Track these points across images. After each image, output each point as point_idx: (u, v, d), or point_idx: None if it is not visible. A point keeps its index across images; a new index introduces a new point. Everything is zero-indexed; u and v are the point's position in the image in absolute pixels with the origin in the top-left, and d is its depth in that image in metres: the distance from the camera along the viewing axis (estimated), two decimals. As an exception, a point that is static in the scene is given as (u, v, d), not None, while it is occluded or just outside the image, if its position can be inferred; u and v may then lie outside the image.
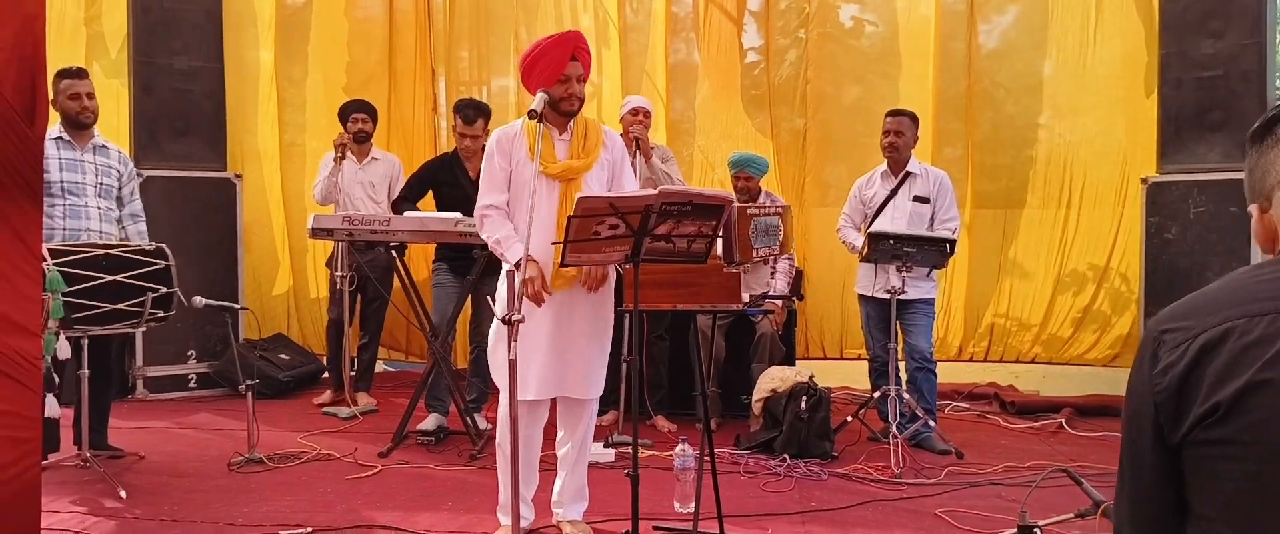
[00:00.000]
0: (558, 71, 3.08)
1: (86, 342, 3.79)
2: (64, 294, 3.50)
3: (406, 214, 4.42)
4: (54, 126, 4.15)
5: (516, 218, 3.15)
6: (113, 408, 4.36)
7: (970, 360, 6.12)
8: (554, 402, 3.28)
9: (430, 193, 4.88)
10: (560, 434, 3.34)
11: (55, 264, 3.51)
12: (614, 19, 6.26)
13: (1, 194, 2.35)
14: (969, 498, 3.79)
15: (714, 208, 2.86)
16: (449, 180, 4.75)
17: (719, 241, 3.14)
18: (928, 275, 4.69)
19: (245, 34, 6.20)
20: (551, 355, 3.11)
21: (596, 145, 3.21)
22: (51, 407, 3.64)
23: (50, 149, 4.06)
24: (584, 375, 3.18)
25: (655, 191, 2.73)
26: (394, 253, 4.53)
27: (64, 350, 3.58)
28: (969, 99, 5.99)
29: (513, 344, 2.61)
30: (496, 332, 3.20)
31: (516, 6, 6.41)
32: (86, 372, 3.82)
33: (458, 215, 4.22)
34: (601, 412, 4.99)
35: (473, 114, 4.70)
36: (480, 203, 3.16)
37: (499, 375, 3.16)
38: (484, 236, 3.17)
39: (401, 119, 6.39)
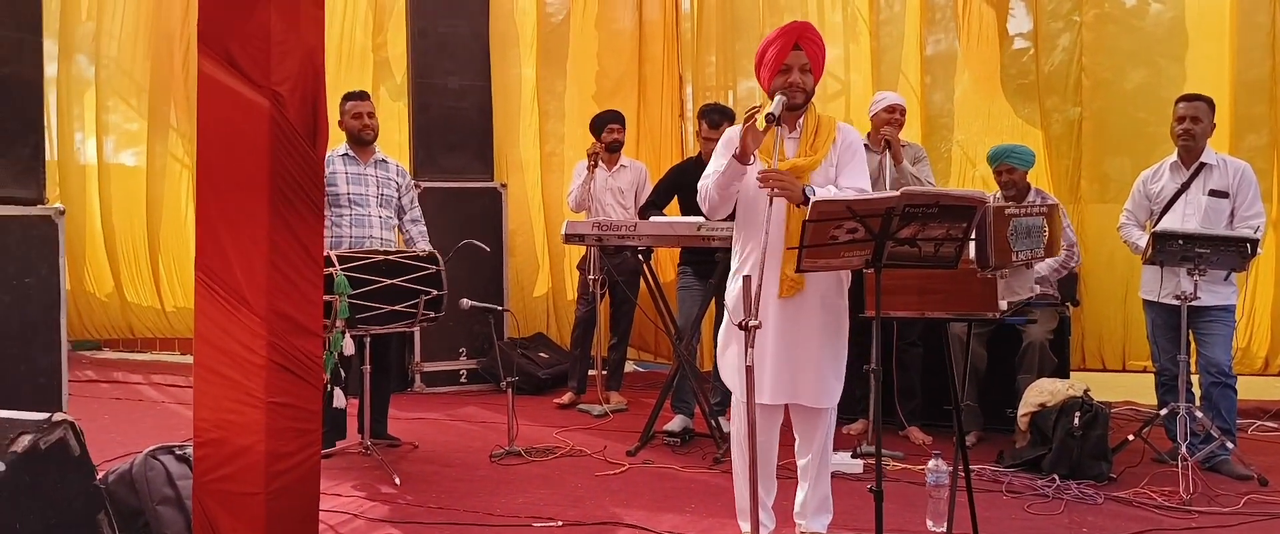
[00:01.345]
0: (780, 59, 3.00)
1: (369, 339, 4.16)
2: (349, 296, 3.86)
3: (652, 219, 4.50)
4: (341, 144, 4.58)
5: (746, 223, 3.11)
6: (393, 400, 4.76)
7: (1279, 375, 5.39)
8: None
9: (675, 198, 4.94)
10: (798, 444, 3.25)
11: (342, 269, 3.87)
12: (865, 15, 6.06)
13: (287, 207, 2.61)
14: (1273, 530, 3.32)
15: (964, 209, 2.68)
16: (693, 185, 4.77)
17: (972, 245, 2.94)
18: (1226, 279, 4.16)
19: (510, 53, 6.59)
20: (780, 361, 3.03)
21: (826, 142, 3.08)
22: (339, 398, 4.03)
23: (338, 164, 4.49)
24: (816, 382, 3.07)
25: (897, 193, 2.58)
26: (641, 257, 4.62)
27: (349, 347, 3.94)
28: (1274, 81, 5.26)
29: (749, 350, 2.58)
30: (725, 334, 3.17)
31: (764, 9, 6.36)
32: (368, 367, 4.19)
33: (701, 219, 4.24)
34: (850, 420, 4.85)
35: (717, 118, 4.71)
36: (699, 184, 3.14)
37: (727, 377, 3.14)
38: (707, 191, 3.09)
39: (649, 125, 6.53)
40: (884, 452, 3.36)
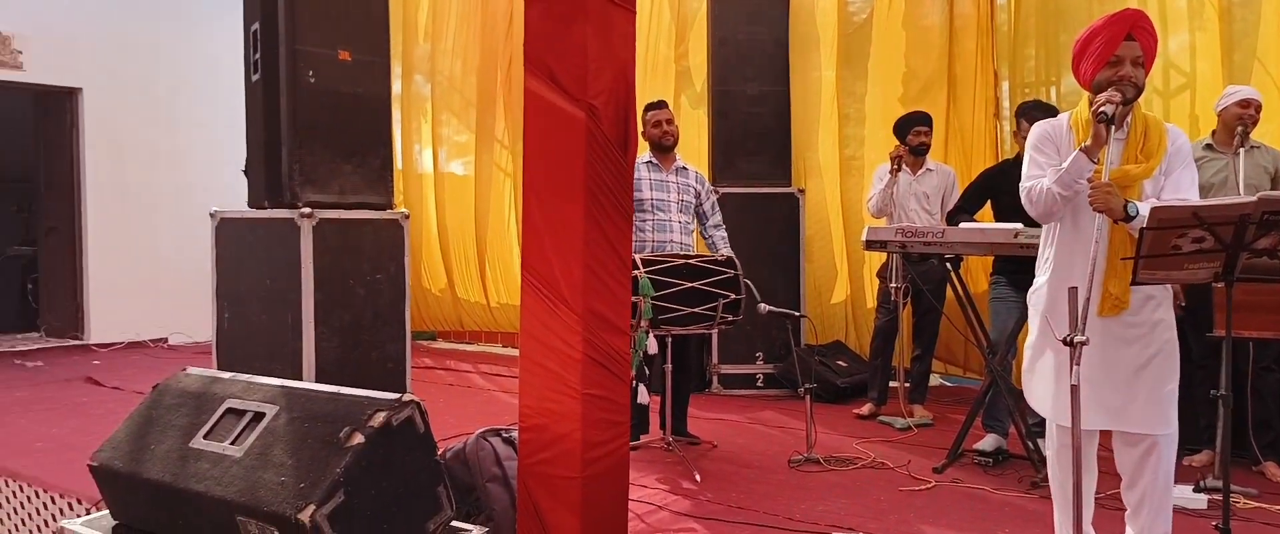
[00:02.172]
0: (1109, 50, 2.73)
1: (670, 339, 4.31)
2: (652, 298, 4.02)
3: (962, 225, 4.29)
4: (644, 153, 4.78)
5: (1063, 229, 2.87)
6: (692, 399, 4.90)
7: None
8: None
9: (988, 203, 4.68)
10: (1125, 477, 2.94)
11: (646, 272, 4.04)
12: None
13: (599, 212, 2.77)
14: None
15: (1341, 214, 2.32)
16: (1009, 189, 4.49)
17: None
18: None
19: (810, 56, 6.56)
20: (1099, 384, 2.76)
21: (1158, 147, 2.75)
22: (642, 394, 4.20)
23: (642, 171, 4.69)
24: (1143, 407, 2.77)
25: (1252, 199, 2.29)
26: (949, 265, 4.42)
27: (653, 346, 4.09)
28: None
29: (1075, 368, 2.39)
30: (1033, 350, 2.94)
31: (1091, -4, 5.87)
32: (670, 366, 4.34)
33: (1018, 226, 3.98)
34: (1193, 451, 4.35)
35: (1039, 116, 4.40)
36: (1022, 186, 2.92)
37: (1035, 398, 2.91)
38: (1044, 191, 2.83)
39: (959, 126, 6.23)
40: (1234, 488, 2.99)
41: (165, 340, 8.61)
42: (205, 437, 2.72)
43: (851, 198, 6.51)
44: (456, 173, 8.31)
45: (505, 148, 7.71)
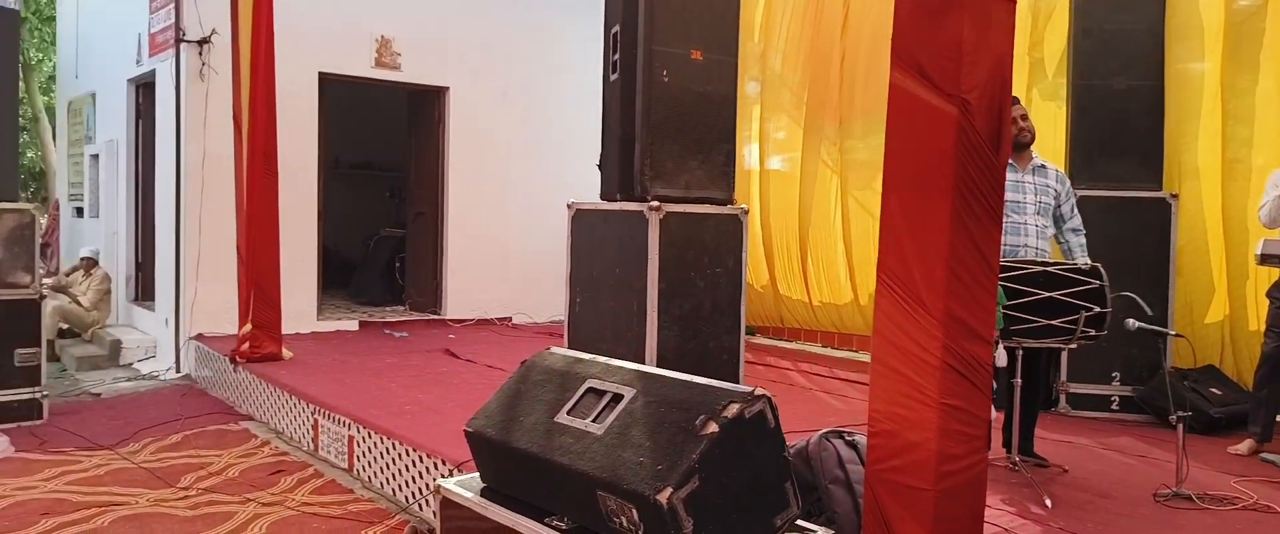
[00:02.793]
0: None
1: (1021, 353, 4.02)
2: (1005, 307, 3.76)
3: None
4: (1001, 151, 4.50)
5: None
6: (1038, 418, 4.55)
7: None
8: None
9: None
10: None
11: (999, 279, 3.79)
12: None
13: (967, 213, 2.62)
14: None
15: None
16: None
17: None
18: None
19: (1188, 46, 5.87)
20: None
21: None
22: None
23: (998, 172, 4.42)
24: None
25: None
26: (1370, 286, 3.78)
27: (1001, 359, 3.84)
28: None
29: None
30: None
31: None
32: (1019, 380, 4.05)
33: None
34: None
35: None
36: None
37: None
38: None
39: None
40: None
41: (509, 319, 9.38)
42: (568, 413, 2.89)
43: (1234, 205, 5.75)
44: (777, 169, 8.33)
45: (834, 144, 7.60)
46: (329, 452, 5.53)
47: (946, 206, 2.61)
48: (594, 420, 2.79)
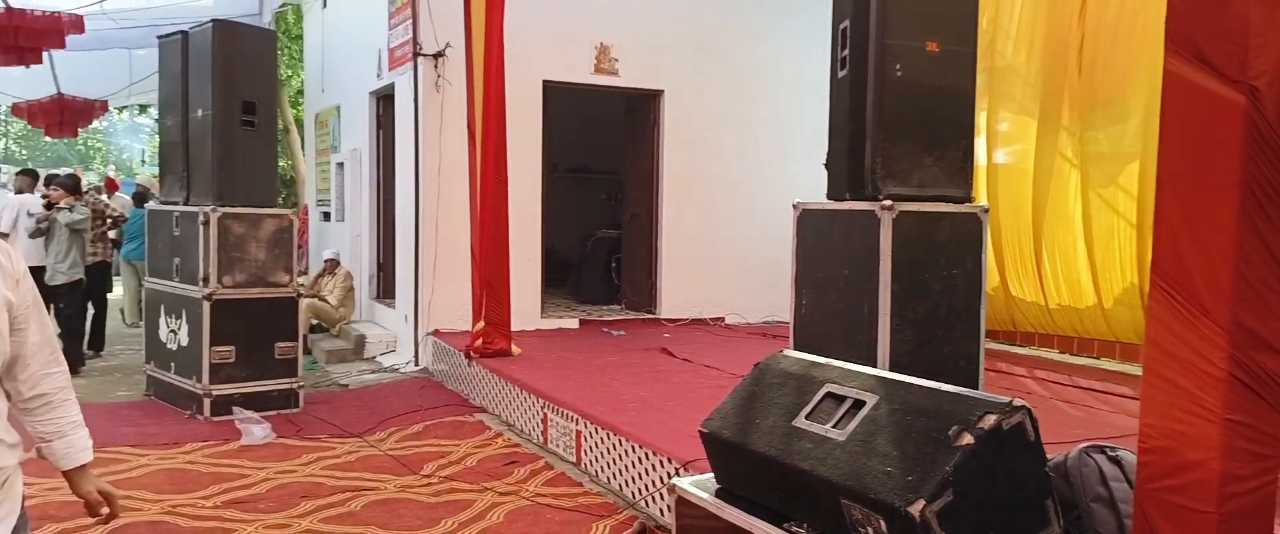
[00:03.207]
0: None
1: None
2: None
3: None
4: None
5: None
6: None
7: None
8: None
9: None
10: None
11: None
12: None
13: (1257, 212, 2.37)
14: None
15: None
16: None
17: None
18: None
19: None
20: None
21: None
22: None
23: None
24: None
25: None
26: None
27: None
28: None
29: None
30: None
31: None
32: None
33: None
34: None
35: None
36: None
37: None
38: None
39: None
40: None
41: (722, 320, 9.41)
42: (807, 417, 2.85)
43: None
44: (1004, 164, 7.90)
45: (1072, 136, 7.13)
46: (558, 445, 5.74)
47: (1232, 204, 2.38)
48: (835, 426, 2.73)
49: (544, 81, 8.76)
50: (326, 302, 9.78)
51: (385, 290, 10.12)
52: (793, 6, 9.56)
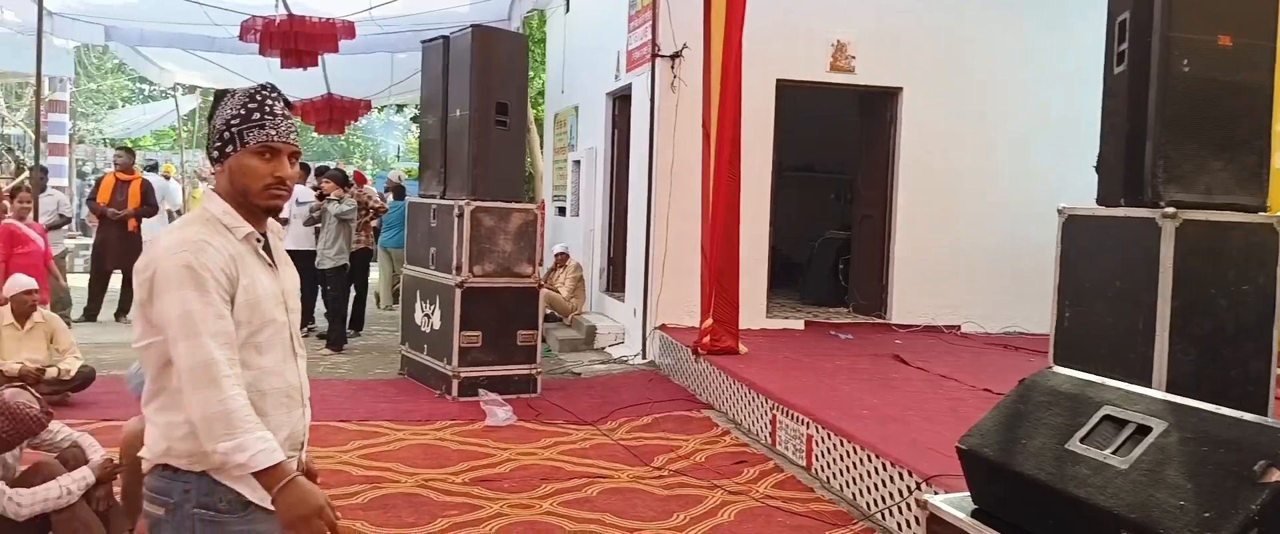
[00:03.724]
0: None
1: None
2: None
3: None
4: None
5: None
6: None
7: None
8: None
9: None
10: None
11: None
12: None
13: None
14: None
15: None
16: None
17: None
18: None
19: None
20: None
21: None
22: None
23: None
24: None
25: None
26: None
27: None
28: None
29: None
30: None
31: None
32: None
33: None
34: None
35: None
36: None
37: None
38: None
39: None
40: None
41: (958, 328, 9.00)
42: (1082, 441, 2.65)
43: None
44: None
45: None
46: (786, 447, 5.68)
47: None
48: (1115, 452, 2.52)
49: (778, 80, 8.69)
50: (558, 293, 10.18)
51: (615, 284, 10.40)
52: (1042, -2, 9.04)
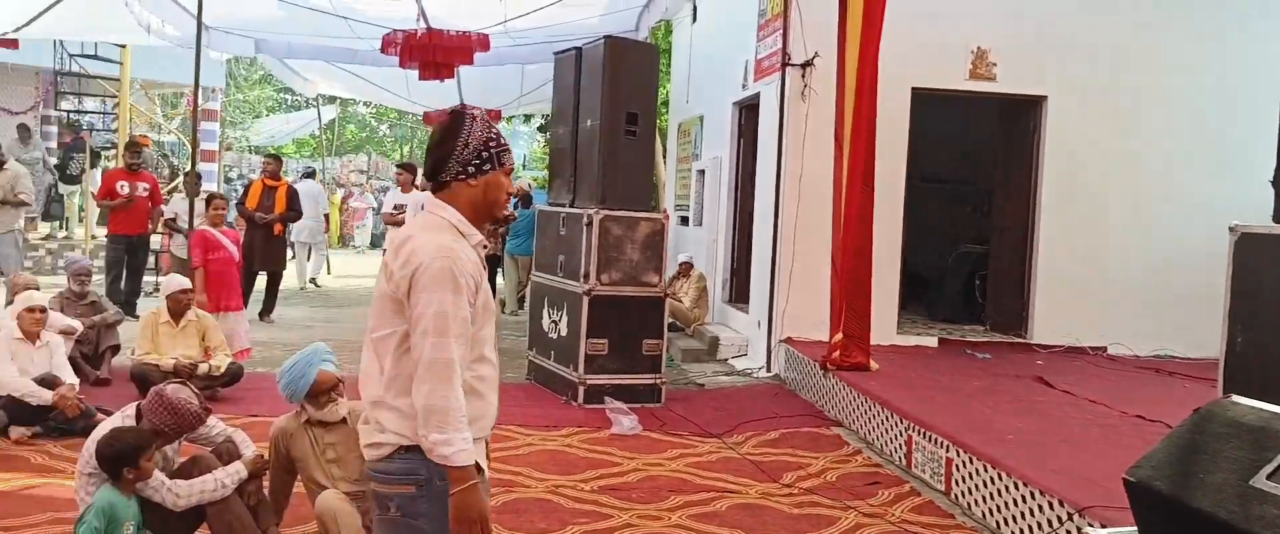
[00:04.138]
0: None
1: None
2: None
3: None
4: None
5: None
6: None
7: None
8: None
9: None
10: None
11: None
12: None
13: None
14: None
15: None
16: None
17: None
18: None
19: None
20: None
21: None
22: None
23: None
24: None
25: None
26: None
27: None
28: None
29: None
30: None
31: None
32: None
33: None
34: None
35: None
36: None
37: None
38: None
39: None
40: None
41: (1104, 349, 8.53)
42: (1269, 478, 2.43)
43: None
44: None
45: None
46: (923, 470, 5.48)
47: None
48: (1311, 492, 2.31)
49: (913, 89, 8.45)
50: (681, 302, 10.13)
51: (738, 295, 10.30)
52: (1198, 3, 8.52)
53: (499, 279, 11.55)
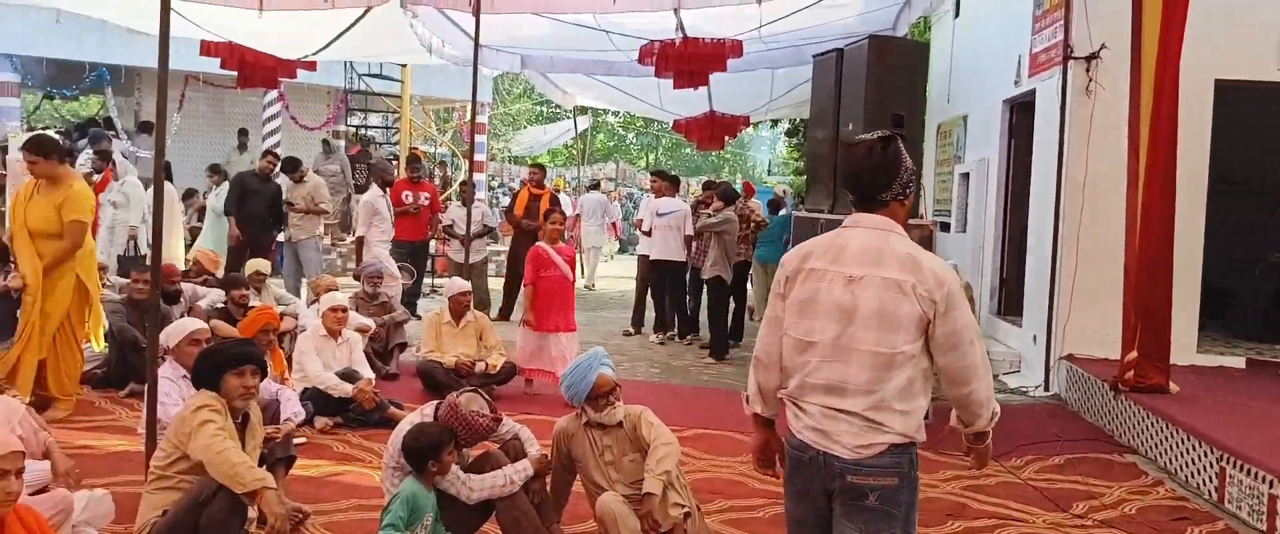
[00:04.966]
0: None
1: None
2: None
3: None
4: None
5: None
6: None
7: None
8: None
9: None
10: None
11: None
12: None
13: None
14: None
15: None
16: None
17: None
18: None
19: None
20: None
21: None
22: None
23: None
24: None
25: None
26: None
27: None
28: None
29: None
30: None
31: None
32: None
33: None
34: None
35: None
36: None
37: None
38: None
39: None
40: None
41: None
42: None
43: None
44: None
45: None
46: (1239, 507, 4.88)
47: None
48: None
49: (1217, 81, 7.59)
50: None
51: (1009, 307, 9.67)
52: None
53: (748, 286, 11.48)
